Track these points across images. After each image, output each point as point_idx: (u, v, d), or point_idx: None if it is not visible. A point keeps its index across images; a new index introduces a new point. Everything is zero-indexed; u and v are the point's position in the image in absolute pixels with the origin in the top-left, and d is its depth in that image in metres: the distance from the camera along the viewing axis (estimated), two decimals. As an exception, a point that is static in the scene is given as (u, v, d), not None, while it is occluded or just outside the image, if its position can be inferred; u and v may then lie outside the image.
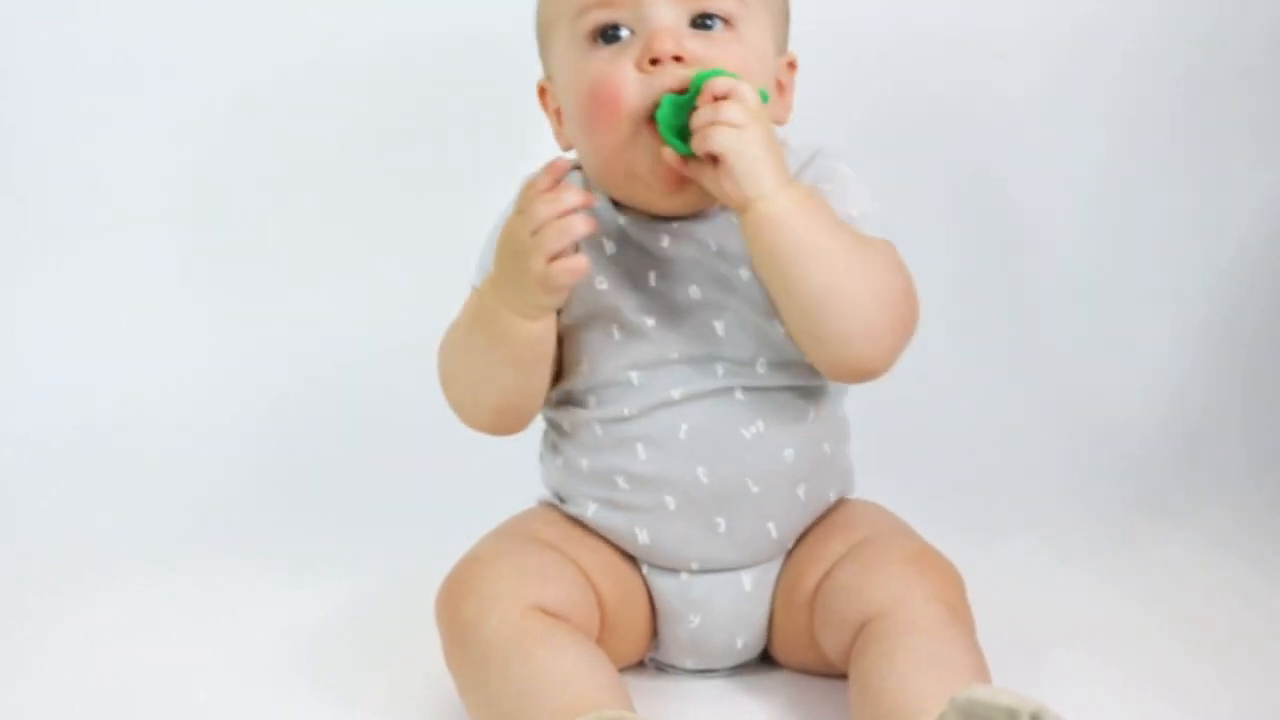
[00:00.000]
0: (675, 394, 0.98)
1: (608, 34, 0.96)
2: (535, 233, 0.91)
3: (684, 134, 0.91)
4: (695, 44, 0.94)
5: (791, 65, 1.04)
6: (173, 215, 1.61)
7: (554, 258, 0.90)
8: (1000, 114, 1.58)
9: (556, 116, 1.03)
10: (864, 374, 0.97)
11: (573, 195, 0.91)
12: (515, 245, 0.92)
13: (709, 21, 0.96)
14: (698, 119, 0.90)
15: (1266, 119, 1.57)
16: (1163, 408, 1.53)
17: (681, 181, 0.94)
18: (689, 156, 0.92)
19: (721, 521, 1.00)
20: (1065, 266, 1.59)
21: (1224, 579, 1.21)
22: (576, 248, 0.92)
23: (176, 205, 1.61)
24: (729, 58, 0.94)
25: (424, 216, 1.55)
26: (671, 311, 0.99)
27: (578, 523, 1.03)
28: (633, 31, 0.96)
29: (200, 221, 1.61)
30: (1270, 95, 1.57)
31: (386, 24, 1.56)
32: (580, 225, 0.90)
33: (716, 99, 0.90)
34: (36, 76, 1.59)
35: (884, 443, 1.41)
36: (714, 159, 0.90)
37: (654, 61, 0.93)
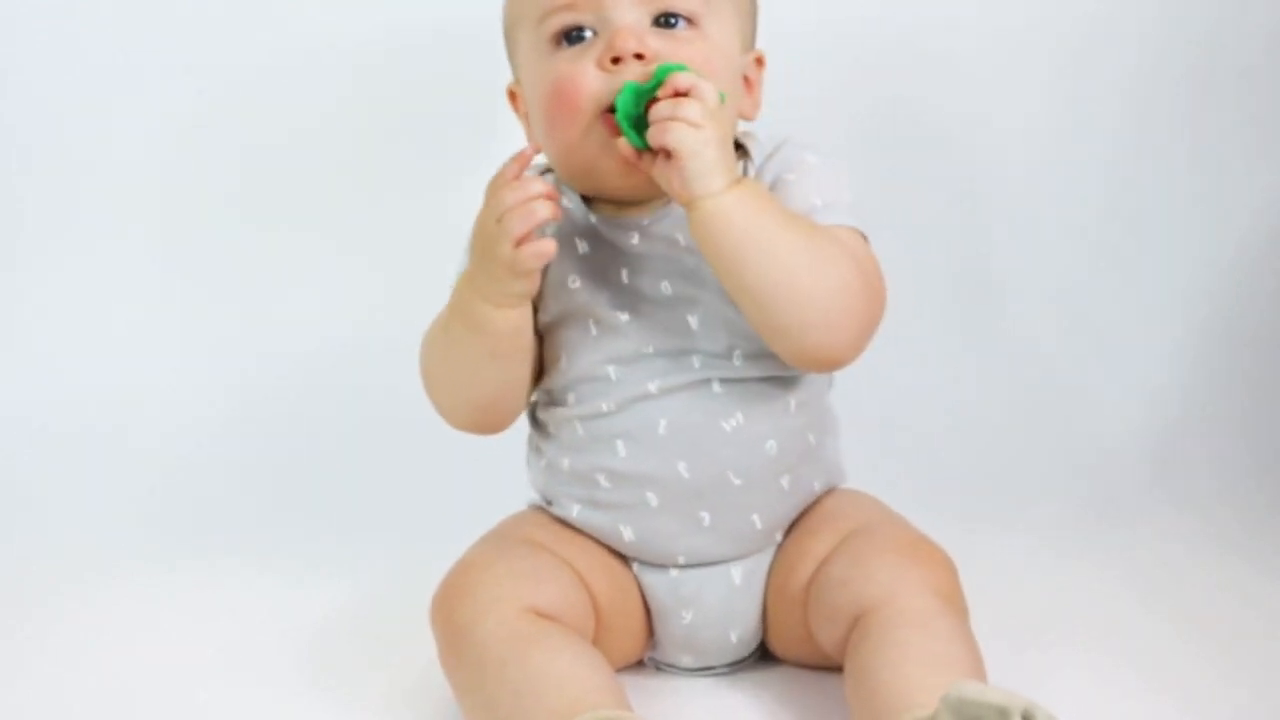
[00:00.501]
0: (652, 387, 0.99)
1: (571, 35, 0.97)
2: (500, 219, 0.92)
3: (640, 124, 0.92)
4: (658, 42, 0.95)
5: (759, 62, 1.04)
6: (179, 215, 1.61)
7: (520, 242, 0.91)
8: (1001, 114, 1.58)
9: (526, 120, 1.04)
10: (828, 363, 0.97)
11: (539, 183, 0.92)
12: (484, 234, 0.93)
13: (672, 20, 0.97)
14: (656, 112, 0.91)
15: (1266, 119, 1.57)
16: (1163, 407, 1.53)
17: (635, 166, 0.94)
18: (642, 149, 0.92)
19: (706, 515, 1.00)
20: (1067, 265, 1.59)
21: (1224, 579, 1.21)
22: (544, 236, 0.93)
23: (183, 205, 1.60)
24: (692, 55, 0.95)
25: (427, 216, 1.55)
26: (645, 307, 1.00)
27: (567, 524, 1.04)
28: (596, 33, 0.97)
29: (206, 221, 1.61)
30: (1270, 95, 1.57)
31: (378, 19, 1.57)
32: (543, 209, 0.91)
33: (677, 94, 0.91)
34: (37, 76, 1.59)
35: (884, 439, 1.42)
36: (667, 153, 0.91)
37: (616, 60, 0.94)
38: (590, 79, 0.95)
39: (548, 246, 0.92)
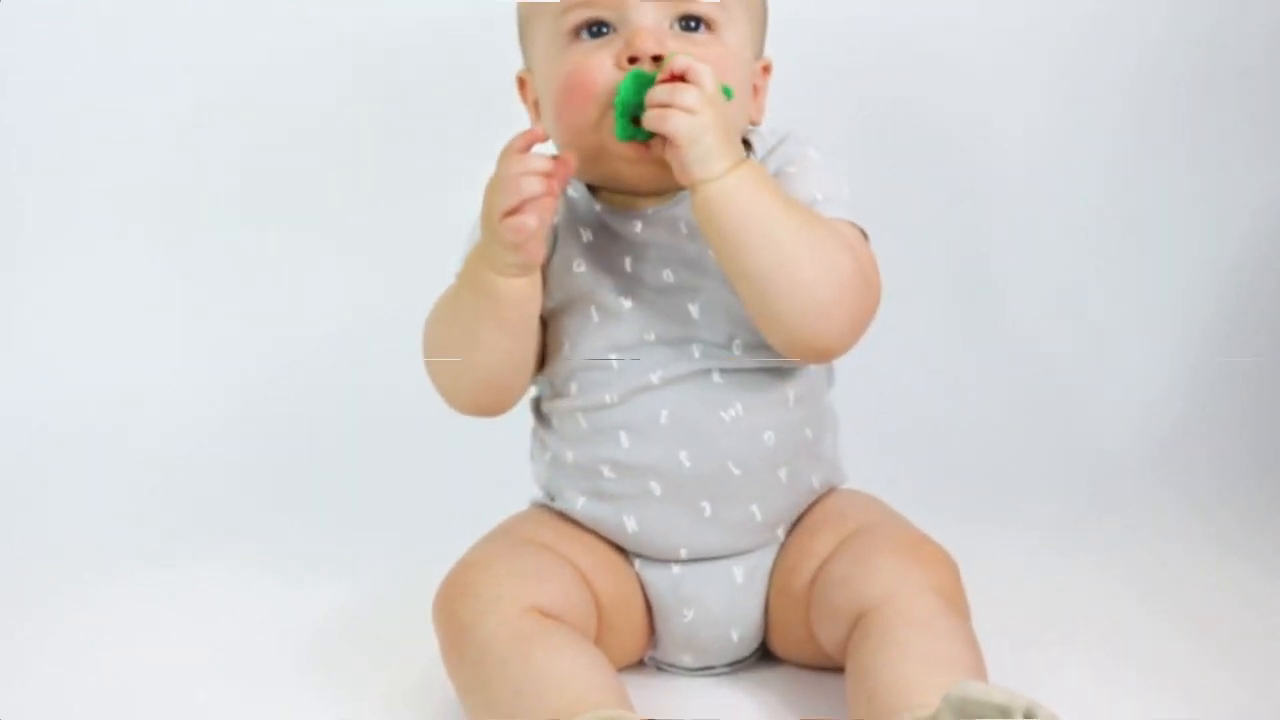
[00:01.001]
0: (654, 378, 0.99)
1: (591, 29, 0.97)
2: (493, 190, 0.92)
3: (641, 111, 0.92)
4: (676, 44, 0.96)
5: (766, 69, 1.05)
6: (179, 215, 1.61)
7: (507, 214, 0.91)
8: (1001, 114, 1.58)
9: (534, 108, 1.04)
10: (820, 353, 0.97)
11: (539, 160, 0.92)
12: (484, 202, 0.94)
13: (693, 24, 0.98)
14: (652, 97, 0.91)
15: (1266, 119, 1.58)
16: (1163, 407, 1.53)
17: (644, 155, 0.95)
18: (625, 139, 0.93)
19: (707, 506, 1.00)
20: (1067, 265, 1.59)
21: (1224, 579, 1.21)
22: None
23: (183, 205, 1.61)
24: (709, 58, 0.95)
25: (427, 216, 1.55)
26: (647, 294, 1.00)
27: (571, 522, 1.04)
28: (615, 30, 0.97)
29: (206, 221, 1.61)
30: (1270, 95, 1.57)
31: (378, 19, 1.57)
32: (531, 185, 0.91)
33: (674, 77, 0.91)
34: (37, 76, 1.59)
35: (884, 439, 1.42)
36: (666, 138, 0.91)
37: (633, 60, 0.94)
38: (606, 72, 0.95)
39: (528, 222, 0.92)
